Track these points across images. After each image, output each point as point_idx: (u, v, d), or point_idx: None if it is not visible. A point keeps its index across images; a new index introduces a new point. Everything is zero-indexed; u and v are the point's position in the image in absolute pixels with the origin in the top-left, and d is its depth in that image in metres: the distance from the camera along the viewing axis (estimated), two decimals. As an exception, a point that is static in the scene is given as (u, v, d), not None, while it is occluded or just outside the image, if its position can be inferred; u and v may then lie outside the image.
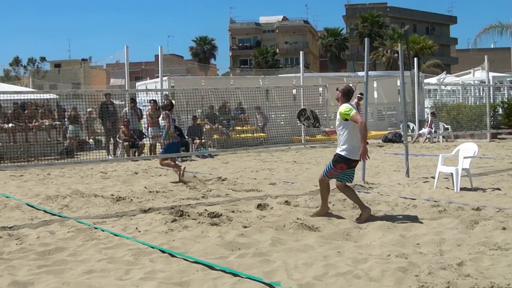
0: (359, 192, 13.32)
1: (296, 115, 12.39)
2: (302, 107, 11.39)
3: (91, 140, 27.52)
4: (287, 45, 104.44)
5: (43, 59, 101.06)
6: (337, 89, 10.71)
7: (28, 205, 13.09)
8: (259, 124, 28.73)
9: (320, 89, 30.22)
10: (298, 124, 11.37)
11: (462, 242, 8.59)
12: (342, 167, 10.34)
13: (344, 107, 10.35)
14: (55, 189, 15.59)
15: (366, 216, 10.24)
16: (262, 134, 28.05)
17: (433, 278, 6.90)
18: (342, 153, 10.34)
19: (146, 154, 23.84)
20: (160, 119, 17.62)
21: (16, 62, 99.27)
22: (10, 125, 24.19)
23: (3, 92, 22.82)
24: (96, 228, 10.36)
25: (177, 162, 17.97)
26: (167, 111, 17.12)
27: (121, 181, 17.17)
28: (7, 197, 14.27)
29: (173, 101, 20.69)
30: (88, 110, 27.18)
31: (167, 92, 25.98)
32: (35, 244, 9.32)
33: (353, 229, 9.73)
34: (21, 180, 17.94)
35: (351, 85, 29.45)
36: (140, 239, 9.37)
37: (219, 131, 27.02)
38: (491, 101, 30.17)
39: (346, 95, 10.61)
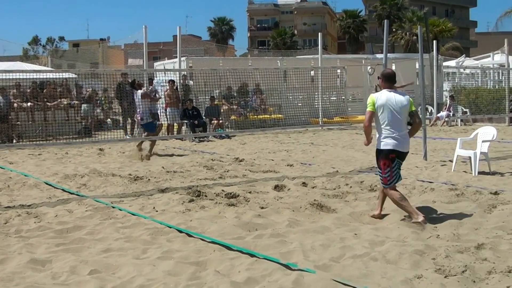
0: (376, 174, 13.33)
1: None
2: None
3: (108, 119, 27.58)
4: (305, 26, 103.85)
5: (61, 38, 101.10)
6: (378, 77, 9.96)
7: (46, 183, 13.17)
8: (255, 106, 28.23)
9: (338, 71, 30.18)
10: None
11: (480, 226, 8.57)
12: (384, 162, 9.20)
13: (369, 98, 9.51)
14: (73, 168, 15.67)
15: (414, 222, 8.91)
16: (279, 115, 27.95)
17: (450, 261, 6.89)
18: (378, 147, 9.34)
19: (163, 134, 23.90)
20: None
21: (35, 41, 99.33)
22: (29, 104, 24.28)
23: (22, 71, 22.88)
24: (113, 207, 10.43)
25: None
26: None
27: (139, 160, 17.22)
28: (25, 175, 14.36)
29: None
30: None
31: (185, 72, 25.97)
32: (53, 222, 9.40)
33: (370, 212, 9.73)
34: (39, 158, 18.02)
35: (369, 67, 29.28)
36: (157, 219, 9.42)
37: (236, 112, 26.99)
38: (510, 85, 29.93)
39: (387, 80, 9.51)
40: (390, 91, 9.36)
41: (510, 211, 9.39)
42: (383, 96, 9.27)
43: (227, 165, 15.64)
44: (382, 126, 9.25)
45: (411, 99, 9.53)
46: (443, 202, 10.30)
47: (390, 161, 9.17)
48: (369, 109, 9.30)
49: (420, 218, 8.73)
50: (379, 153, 9.30)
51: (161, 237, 8.42)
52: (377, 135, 9.37)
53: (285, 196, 11.23)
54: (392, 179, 9.20)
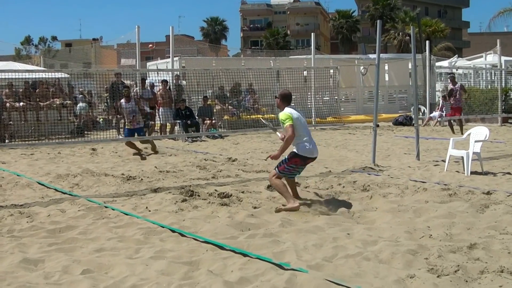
0: (369, 174, 13.36)
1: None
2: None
3: (101, 119, 27.51)
4: (298, 26, 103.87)
5: (54, 38, 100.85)
6: (275, 97, 10.67)
7: (39, 183, 13.14)
8: (248, 106, 28.15)
9: (331, 71, 30.19)
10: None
11: (472, 226, 8.59)
12: (297, 161, 10.20)
13: (282, 115, 10.21)
14: (65, 167, 15.63)
15: (289, 208, 9.86)
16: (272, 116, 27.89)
17: (443, 261, 6.90)
18: (296, 151, 10.21)
19: (156, 134, 23.87)
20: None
21: (27, 41, 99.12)
22: (21, 103, 24.21)
23: (15, 71, 22.84)
24: (106, 207, 10.42)
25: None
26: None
27: (131, 160, 17.20)
28: (18, 175, 14.31)
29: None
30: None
31: (178, 72, 25.94)
32: (46, 222, 9.38)
33: (363, 211, 9.75)
34: (32, 158, 17.97)
35: (362, 68, 29.22)
36: (150, 219, 9.41)
37: (229, 112, 26.96)
38: (503, 85, 29.98)
39: (284, 99, 10.46)
40: (291, 107, 10.40)
41: (503, 211, 9.42)
42: (294, 111, 10.29)
43: (220, 165, 15.62)
44: (301, 136, 10.21)
45: None
46: (435, 202, 10.31)
47: (302, 164, 10.35)
48: (290, 122, 10.11)
49: (296, 204, 9.87)
50: (298, 156, 10.21)
51: (154, 236, 8.41)
52: (296, 144, 10.20)
53: (278, 196, 11.21)
54: (287, 173, 10.36)
